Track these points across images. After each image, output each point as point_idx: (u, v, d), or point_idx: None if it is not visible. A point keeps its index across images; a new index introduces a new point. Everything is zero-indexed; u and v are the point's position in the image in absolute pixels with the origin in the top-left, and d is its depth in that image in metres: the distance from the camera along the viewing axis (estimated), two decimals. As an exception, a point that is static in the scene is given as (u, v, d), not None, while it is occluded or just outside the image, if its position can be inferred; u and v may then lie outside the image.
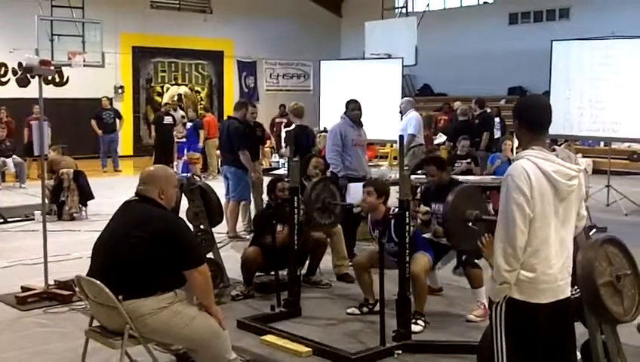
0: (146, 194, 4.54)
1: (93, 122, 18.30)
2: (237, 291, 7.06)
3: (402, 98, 13.98)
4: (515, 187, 3.53)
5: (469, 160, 11.62)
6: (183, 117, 18.37)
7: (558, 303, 3.66)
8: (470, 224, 4.78)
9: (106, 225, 4.63)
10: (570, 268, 3.74)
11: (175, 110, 18.91)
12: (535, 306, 3.60)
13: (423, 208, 6.51)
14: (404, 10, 22.26)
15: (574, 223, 3.75)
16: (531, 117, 3.73)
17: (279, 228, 6.84)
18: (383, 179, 8.60)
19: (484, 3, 24.77)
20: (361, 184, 6.94)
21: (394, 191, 6.38)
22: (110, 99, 19.87)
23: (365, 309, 6.54)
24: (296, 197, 6.44)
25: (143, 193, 4.56)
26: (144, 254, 4.30)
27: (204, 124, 17.60)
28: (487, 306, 6.32)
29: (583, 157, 14.42)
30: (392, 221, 6.04)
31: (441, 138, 16.52)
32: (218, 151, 16.04)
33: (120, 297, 4.25)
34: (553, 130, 13.96)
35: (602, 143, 17.25)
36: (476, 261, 6.37)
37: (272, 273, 6.86)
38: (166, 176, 4.71)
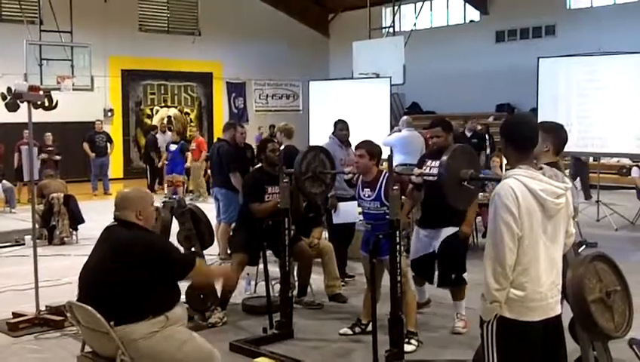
0: (124, 218, 4.55)
1: (86, 145, 18.33)
2: (215, 318, 6.88)
3: (391, 117, 14.06)
4: (503, 206, 3.56)
5: None
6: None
7: (548, 321, 3.67)
8: (465, 183, 4.77)
9: (91, 253, 4.63)
10: (559, 286, 3.75)
11: (164, 132, 18.93)
12: (526, 324, 3.62)
13: (417, 170, 6.42)
14: (391, 30, 22.36)
15: (563, 241, 3.77)
16: (518, 136, 3.75)
17: (270, 189, 7.10)
18: None
19: (471, 21, 24.94)
20: (351, 203, 6.96)
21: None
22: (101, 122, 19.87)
23: (357, 329, 6.51)
24: (286, 218, 6.45)
25: (120, 218, 4.57)
26: (131, 279, 4.31)
27: (188, 147, 17.64)
28: (466, 319, 6.41)
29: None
30: (383, 181, 6.09)
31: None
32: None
33: (111, 323, 4.24)
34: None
35: (591, 159, 17.31)
36: (463, 276, 6.42)
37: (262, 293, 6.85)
38: (140, 196, 4.71)
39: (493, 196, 3.65)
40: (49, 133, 17.07)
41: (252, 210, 7.19)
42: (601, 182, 14.08)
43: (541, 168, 3.71)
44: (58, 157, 17.04)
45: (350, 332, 6.51)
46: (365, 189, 6.26)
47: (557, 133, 4.89)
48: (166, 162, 17.93)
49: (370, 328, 5.93)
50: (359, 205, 6.60)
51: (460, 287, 6.50)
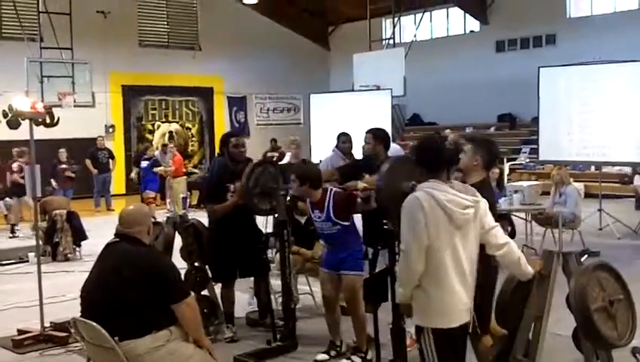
0: (133, 235, 4.58)
1: (88, 162, 18.38)
2: (229, 334, 6.87)
3: (392, 128, 14.03)
4: (411, 217, 3.83)
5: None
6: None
7: (463, 327, 3.95)
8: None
9: (92, 269, 4.66)
10: (472, 295, 3.96)
11: (165, 153, 18.76)
12: (450, 331, 3.89)
13: (361, 184, 6.11)
14: (391, 42, 22.42)
15: (475, 251, 3.94)
16: (428, 160, 4.04)
17: (232, 188, 6.68)
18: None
19: (471, 32, 24.98)
20: None
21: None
22: (103, 138, 19.91)
23: (333, 353, 6.25)
24: (285, 231, 6.42)
25: (127, 234, 4.59)
26: (133, 294, 4.33)
27: (159, 163, 17.43)
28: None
29: (575, 181, 14.46)
30: (330, 202, 5.93)
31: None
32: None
33: (116, 338, 4.25)
34: (544, 155, 14.04)
35: (593, 167, 17.32)
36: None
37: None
38: (146, 213, 4.85)
39: (403, 208, 3.88)
40: (63, 150, 17.04)
41: (210, 212, 6.96)
42: (603, 192, 14.07)
43: (450, 182, 3.94)
44: (72, 174, 17.00)
45: (326, 357, 6.22)
46: (315, 211, 6.10)
47: (487, 148, 5.01)
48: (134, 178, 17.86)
49: (344, 349, 6.12)
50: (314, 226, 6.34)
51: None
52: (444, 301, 3.87)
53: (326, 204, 5.97)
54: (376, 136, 6.76)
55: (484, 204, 4.00)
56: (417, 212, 3.81)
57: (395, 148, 11.40)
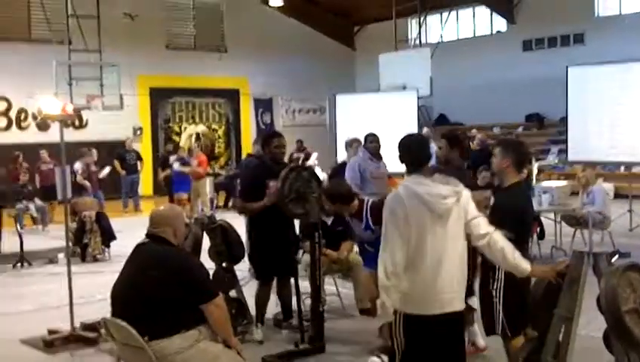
0: (161, 235, 4.62)
1: (117, 163, 18.56)
2: (258, 335, 6.90)
3: (418, 129, 13.97)
4: (392, 211, 4.01)
5: (489, 191, 11.46)
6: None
7: (449, 315, 4.02)
8: None
9: (122, 270, 4.70)
10: (460, 282, 4.08)
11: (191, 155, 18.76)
12: (422, 318, 4.00)
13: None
14: (417, 42, 22.37)
15: (461, 238, 4.07)
16: (409, 157, 4.22)
17: (271, 183, 6.68)
18: None
19: (497, 32, 24.84)
20: None
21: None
22: (130, 140, 20.05)
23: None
24: (316, 233, 6.44)
25: (156, 234, 4.63)
26: (162, 294, 4.37)
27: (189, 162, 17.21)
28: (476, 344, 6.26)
29: (604, 181, 14.32)
30: (367, 212, 6.02)
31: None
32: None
33: (146, 338, 4.28)
34: (572, 155, 13.89)
35: (622, 167, 17.13)
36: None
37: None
38: (176, 214, 4.85)
39: (385, 202, 4.11)
40: (94, 150, 17.08)
41: (241, 206, 7.03)
42: (633, 192, 13.92)
43: (434, 174, 4.12)
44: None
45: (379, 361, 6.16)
46: (354, 220, 6.26)
47: (515, 149, 5.12)
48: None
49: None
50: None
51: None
52: (420, 288, 4.00)
53: (364, 215, 6.09)
54: (451, 140, 6.72)
55: (466, 194, 4.10)
56: (397, 206, 4.00)
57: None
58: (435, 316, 3.99)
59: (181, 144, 23.28)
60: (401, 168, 8.46)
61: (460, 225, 4.06)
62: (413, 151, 4.22)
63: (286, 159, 11.69)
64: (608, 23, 21.46)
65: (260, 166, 7.14)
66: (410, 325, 4.03)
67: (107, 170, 17.34)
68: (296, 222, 7.16)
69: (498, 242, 4.15)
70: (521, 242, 4.99)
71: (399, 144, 4.31)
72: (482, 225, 4.13)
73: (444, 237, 3.99)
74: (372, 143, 8.85)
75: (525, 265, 4.24)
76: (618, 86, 13.30)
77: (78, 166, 15.46)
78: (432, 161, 6.59)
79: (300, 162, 16.91)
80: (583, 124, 13.84)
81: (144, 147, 22.60)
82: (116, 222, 13.18)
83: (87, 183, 15.08)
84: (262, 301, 7.01)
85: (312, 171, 6.90)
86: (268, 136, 7.43)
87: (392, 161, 9.87)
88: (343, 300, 7.76)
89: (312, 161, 18.70)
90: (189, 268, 4.59)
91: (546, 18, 22.51)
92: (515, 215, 4.91)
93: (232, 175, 16.71)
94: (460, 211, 4.05)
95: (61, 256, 10.99)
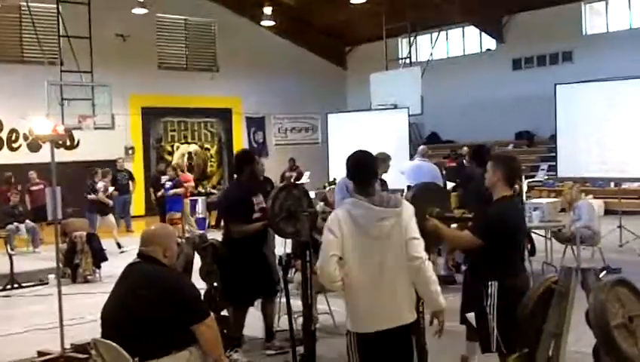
0: (150, 254, 4.59)
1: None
2: (241, 359, 6.84)
3: (410, 147, 14.03)
4: (328, 230, 4.19)
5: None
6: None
7: (389, 332, 4.17)
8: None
9: (113, 290, 4.67)
10: (404, 297, 4.22)
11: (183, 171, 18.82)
12: (372, 335, 4.18)
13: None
14: (407, 61, 22.49)
15: (400, 257, 4.15)
16: (353, 173, 4.38)
17: (255, 200, 6.76)
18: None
19: (487, 50, 25.00)
20: None
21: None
22: (122, 160, 20.04)
23: None
24: (307, 251, 6.43)
25: (146, 253, 4.61)
26: (153, 314, 4.34)
27: (181, 182, 17.17)
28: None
29: (594, 198, 14.38)
30: None
31: (449, 185, 16.52)
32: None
33: (136, 359, 4.26)
34: (562, 172, 13.93)
35: (612, 184, 17.20)
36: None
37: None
38: (167, 233, 4.82)
39: (325, 224, 4.29)
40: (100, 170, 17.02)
41: (241, 231, 6.80)
42: (623, 208, 13.98)
43: (373, 195, 4.22)
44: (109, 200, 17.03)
45: None
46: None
47: (506, 164, 5.19)
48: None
49: None
50: None
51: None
52: (359, 307, 4.20)
53: None
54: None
55: (407, 212, 4.22)
56: (334, 226, 4.18)
57: (428, 168, 11.37)
58: (382, 332, 4.16)
59: (173, 163, 23.28)
60: (390, 185, 8.36)
61: (401, 242, 4.17)
62: (353, 168, 4.38)
63: (278, 178, 11.72)
64: (596, 41, 21.64)
65: (243, 185, 7.13)
66: (360, 343, 4.22)
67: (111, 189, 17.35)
68: (279, 241, 7.18)
69: (428, 271, 4.23)
70: (508, 254, 5.07)
71: (347, 160, 4.45)
72: (416, 248, 4.21)
73: (384, 256, 4.14)
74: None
75: (442, 301, 4.31)
76: (606, 103, 13.38)
77: (101, 185, 15.60)
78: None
79: (292, 180, 16.94)
80: (573, 141, 13.91)
81: (136, 167, 22.60)
82: (108, 243, 13.17)
83: (110, 201, 15.30)
84: (239, 325, 6.97)
85: (302, 190, 6.92)
86: (248, 156, 7.42)
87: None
88: (335, 318, 7.74)
89: (305, 180, 18.74)
90: (180, 288, 4.57)
91: (534, 37, 22.69)
92: (498, 227, 4.96)
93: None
94: (401, 229, 4.16)
95: (52, 276, 10.95)
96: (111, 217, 15.80)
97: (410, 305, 4.30)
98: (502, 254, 4.97)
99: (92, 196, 15.49)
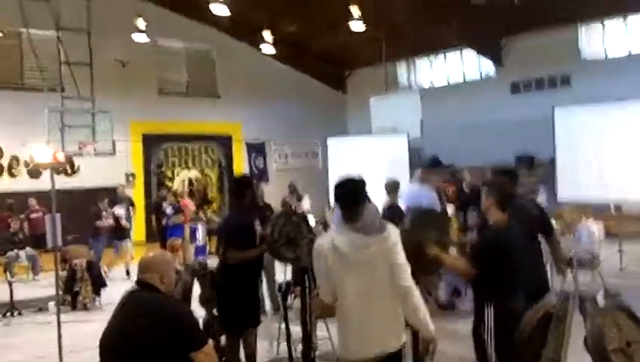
0: (148, 282, 4.59)
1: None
2: None
3: (410, 171, 14.00)
4: (316, 258, 4.31)
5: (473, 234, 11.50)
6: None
7: (380, 358, 4.22)
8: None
9: (111, 318, 4.65)
10: (391, 324, 4.27)
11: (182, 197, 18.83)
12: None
13: None
14: (407, 85, 22.59)
15: (386, 286, 4.21)
16: (339, 199, 4.44)
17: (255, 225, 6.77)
18: None
19: (486, 75, 25.08)
20: None
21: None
22: (123, 187, 20.05)
23: None
24: (306, 277, 6.44)
25: (144, 281, 4.61)
26: (151, 342, 4.32)
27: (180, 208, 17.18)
28: None
29: (594, 221, 14.34)
30: None
31: (450, 208, 16.50)
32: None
33: (135, 388, 4.26)
34: (562, 195, 13.92)
35: (612, 207, 17.18)
36: None
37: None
38: (165, 261, 4.77)
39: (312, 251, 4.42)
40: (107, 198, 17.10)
41: (240, 257, 6.71)
42: (623, 232, 13.95)
43: (358, 222, 4.29)
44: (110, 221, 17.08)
45: None
46: None
47: (499, 189, 5.25)
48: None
49: None
50: None
51: None
52: (350, 334, 4.27)
53: None
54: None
55: (391, 238, 4.27)
56: (320, 255, 4.29)
57: (425, 192, 11.37)
58: (370, 359, 4.21)
59: (173, 188, 23.31)
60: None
61: (387, 268, 4.22)
62: (340, 194, 4.44)
63: (278, 203, 11.74)
64: (594, 66, 21.71)
65: (243, 212, 7.13)
66: None
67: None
68: (279, 267, 7.18)
69: (414, 298, 4.26)
70: (505, 278, 5.02)
71: (334, 187, 4.54)
72: (404, 274, 4.27)
73: (369, 283, 4.20)
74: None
75: (431, 328, 4.33)
76: (605, 125, 13.43)
77: (120, 211, 15.73)
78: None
79: (293, 207, 16.92)
80: (572, 164, 13.94)
81: (137, 193, 22.60)
82: (118, 270, 13.16)
83: (128, 225, 15.83)
84: (236, 353, 6.93)
85: (302, 216, 6.94)
86: (248, 180, 7.43)
87: (382, 203, 9.97)
88: (335, 344, 7.71)
89: (306, 205, 18.73)
90: (178, 315, 4.55)
91: (533, 61, 22.75)
92: (492, 251, 4.97)
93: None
94: (386, 255, 4.22)
95: (51, 304, 10.93)
96: (128, 242, 15.94)
97: (398, 331, 4.33)
98: (497, 277, 4.97)
99: (100, 223, 15.57)
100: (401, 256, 4.28)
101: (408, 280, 4.25)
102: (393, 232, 4.29)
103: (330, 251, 4.23)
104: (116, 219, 15.93)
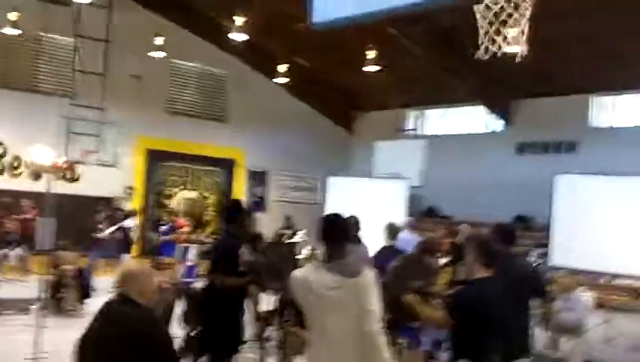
0: (125, 293, 4.55)
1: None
2: None
3: (407, 217, 14.07)
4: (293, 291, 4.45)
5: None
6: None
7: None
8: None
9: (89, 326, 4.64)
10: (363, 359, 4.25)
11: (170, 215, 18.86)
12: None
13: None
14: (413, 133, 22.69)
15: (353, 327, 4.23)
16: (322, 235, 4.54)
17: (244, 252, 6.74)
18: None
19: (493, 131, 25.18)
20: None
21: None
22: (120, 199, 20.08)
23: None
24: (285, 311, 6.43)
25: (122, 293, 4.57)
26: (120, 356, 4.30)
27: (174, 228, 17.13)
28: None
29: (586, 290, 14.32)
30: None
31: (443, 260, 16.50)
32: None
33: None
34: (555, 260, 13.98)
35: (604, 278, 17.16)
36: None
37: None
38: (142, 272, 4.71)
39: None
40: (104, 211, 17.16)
41: (227, 284, 6.73)
42: (613, 303, 13.91)
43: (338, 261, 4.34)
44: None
45: None
46: None
47: (482, 248, 5.20)
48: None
49: None
50: None
51: None
52: None
53: None
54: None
55: (364, 281, 4.32)
56: (295, 291, 4.43)
57: (415, 241, 11.33)
58: None
59: (170, 206, 23.32)
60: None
61: (355, 311, 4.25)
62: (322, 230, 4.55)
63: (271, 234, 11.74)
64: (600, 134, 21.79)
65: (233, 238, 7.13)
66: None
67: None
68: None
69: (379, 339, 4.30)
70: (479, 335, 4.93)
71: (318, 223, 4.64)
72: (371, 320, 4.29)
73: (335, 322, 4.24)
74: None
75: None
76: (605, 197, 13.48)
77: (132, 224, 15.77)
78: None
79: (287, 239, 16.93)
80: (569, 231, 13.96)
81: (134, 207, 22.58)
82: (101, 279, 13.13)
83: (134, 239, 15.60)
84: None
85: (289, 247, 6.96)
86: (239, 206, 7.48)
87: (376, 246, 9.99)
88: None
89: (300, 238, 18.71)
90: (150, 332, 4.49)
91: (541, 124, 22.82)
92: (469, 307, 4.94)
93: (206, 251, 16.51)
94: (356, 298, 4.26)
95: (34, 307, 10.87)
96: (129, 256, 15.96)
97: None
98: (471, 334, 4.91)
99: (101, 235, 15.57)
100: (373, 301, 4.30)
101: (374, 325, 4.26)
102: (369, 276, 4.32)
103: (302, 286, 4.32)
104: (125, 231, 15.81)
